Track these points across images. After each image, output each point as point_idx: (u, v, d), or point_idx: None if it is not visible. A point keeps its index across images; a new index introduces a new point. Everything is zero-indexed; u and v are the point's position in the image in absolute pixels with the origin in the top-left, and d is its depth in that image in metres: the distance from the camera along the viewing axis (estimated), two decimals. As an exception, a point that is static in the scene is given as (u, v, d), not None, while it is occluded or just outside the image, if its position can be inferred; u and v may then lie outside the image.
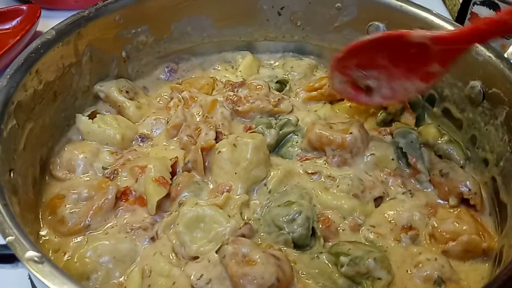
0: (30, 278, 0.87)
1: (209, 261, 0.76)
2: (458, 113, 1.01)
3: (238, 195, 0.88)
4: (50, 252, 0.82)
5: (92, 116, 1.01)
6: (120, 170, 0.92)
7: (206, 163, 0.92)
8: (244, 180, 0.89)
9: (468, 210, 0.89)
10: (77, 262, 0.79)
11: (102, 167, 0.93)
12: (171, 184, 0.89)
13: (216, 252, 0.76)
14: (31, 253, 0.59)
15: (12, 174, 0.77)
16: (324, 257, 0.81)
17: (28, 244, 0.60)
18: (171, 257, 0.81)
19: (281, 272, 0.72)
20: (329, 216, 0.86)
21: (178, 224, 0.82)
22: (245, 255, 0.73)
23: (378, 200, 0.90)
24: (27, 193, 0.83)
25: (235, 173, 0.89)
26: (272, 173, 0.92)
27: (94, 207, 0.86)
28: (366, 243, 0.84)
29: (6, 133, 0.78)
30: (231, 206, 0.86)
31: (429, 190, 0.93)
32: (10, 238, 0.60)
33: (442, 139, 0.98)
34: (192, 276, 0.74)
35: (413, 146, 0.94)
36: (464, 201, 0.90)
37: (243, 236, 0.80)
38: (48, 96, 0.93)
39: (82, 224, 0.84)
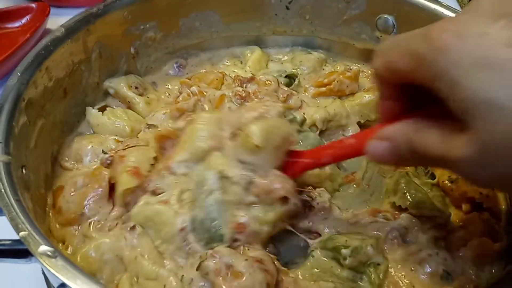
0: (43, 273, 0.88)
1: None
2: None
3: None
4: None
5: (102, 110, 1.02)
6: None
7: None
8: None
9: (481, 214, 0.86)
10: (81, 262, 0.78)
11: (102, 150, 0.93)
12: None
13: (197, 269, 0.73)
14: (44, 248, 0.59)
15: (24, 171, 0.77)
16: (319, 254, 0.81)
17: (41, 238, 0.61)
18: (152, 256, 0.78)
19: (268, 276, 0.71)
20: None
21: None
22: (228, 266, 0.71)
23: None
24: (39, 189, 0.84)
25: None
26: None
27: (87, 196, 0.84)
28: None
29: (18, 130, 0.78)
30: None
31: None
32: (23, 233, 0.61)
33: None
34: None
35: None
36: (478, 205, 0.88)
37: None
38: (58, 92, 0.94)
39: (76, 213, 0.83)
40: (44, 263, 0.58)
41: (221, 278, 0.70)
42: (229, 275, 0.70)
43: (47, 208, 0.86)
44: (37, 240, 0.61)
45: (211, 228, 0.76)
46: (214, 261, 0.72)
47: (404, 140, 0.60)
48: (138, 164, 0.85)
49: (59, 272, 0.58)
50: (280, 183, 0.77)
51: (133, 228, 0.79)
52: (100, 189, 0.84)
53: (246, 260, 0.72)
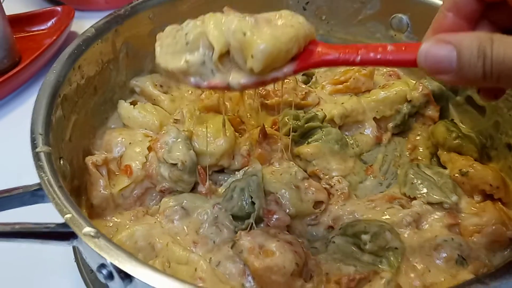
0: (76, 260, 0.93)
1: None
2: (481, 100, 1.04)
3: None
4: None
5: (133, 104, 1.07)
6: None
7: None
8: None
9: (494, 202, 0.90)
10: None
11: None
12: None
13: (231, 247, 0.80)
14: (87, 229, 0.64)
15: (61, 161, 0.82)
16: (339, 240, 0.85)
17: (84, 221, 0.66)
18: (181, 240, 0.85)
19: (297, 256, 0.77)
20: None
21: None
22: (261, 246, 0.77)
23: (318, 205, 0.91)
24: (73, 180, 0.89)
25: None
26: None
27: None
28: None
29: (55, 123, 0.83)
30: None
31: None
32: (67, 215, 0.66)
33: (451, 136, 0.99)
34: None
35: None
36: (490, 196, 0.91)
37: None
38: (89, 90, 0.99)
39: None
40: (88, 243, 0.63)
41: (253, 256, 0.75)
42: (261, 253, 0.75)
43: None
44: (80, 223, 0.66)
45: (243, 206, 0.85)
46: (248, 241, 0.77)
47: (476, 45, 0.51)
48: (130, 162, 0.92)
49: (102, 251, 0.62)
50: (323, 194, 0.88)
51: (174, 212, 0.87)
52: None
53: (278, 241, 0.77)
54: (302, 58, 0.66)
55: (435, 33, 0.59)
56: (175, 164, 0.89)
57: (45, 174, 0.72)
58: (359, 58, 0.62)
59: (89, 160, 0.91)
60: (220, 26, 0.65)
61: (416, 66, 0.57)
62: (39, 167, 0.73)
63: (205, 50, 0.66)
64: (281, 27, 0.64)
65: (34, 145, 0.76)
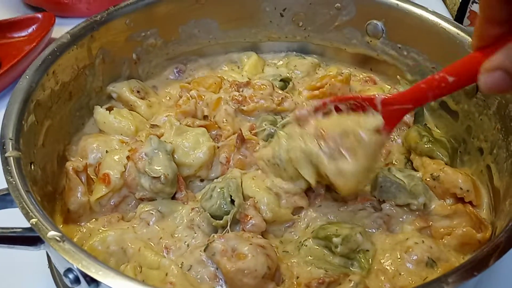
0: (49, 266, 0.93)
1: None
2: (454, 105, 1.05)
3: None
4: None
5: (109, 110, 1.07)
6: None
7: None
8: None
9: (465, 205, 0.91)
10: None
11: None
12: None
13: (204, 250, 0.80)
14: (52, 233, 0.64)
15: (32, 167, 0.82)
16: (311, 243, 0.85)
17: (49, 225, 0.66)
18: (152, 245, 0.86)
19: (269, 260, 0.77)
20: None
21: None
22: (233, 249, 0.78)
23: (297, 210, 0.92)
24: (46, 185, 0.89)
25: None
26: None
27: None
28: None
29: (26, 128, 0.83)
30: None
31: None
32: (33, 220, 0.66)
33: (422, 141, 1.00)
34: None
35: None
36: (461, 199, 0.92)
37: None
38: (64, 95, 0.99)
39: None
40: (53, 247, 0.63)
41: (225, 258, 0.76)
42: (233, 256, 0.76)
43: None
44: (46, 226, 0.66)
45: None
46: (221, 243, 0.78)
47: None
48: (108, 170, 0.92)
49: (66, 255, 0.63)
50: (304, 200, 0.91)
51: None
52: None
53: (251, 244, 0.78)
54: (387, 123, 0.81)
55: (479, 41, 0.68)
56: (157, 177, 0.89)
57: (13, 179, 0.72)
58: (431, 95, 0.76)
59: (70, 165, 0.91)
60: None
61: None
62: (7, 172, 0.73)
63: None
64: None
65: (3, 150, 0.76)
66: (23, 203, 0.69)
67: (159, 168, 0.89)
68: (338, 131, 0.81)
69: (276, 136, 0.92)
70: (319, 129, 0.82)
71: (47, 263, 0.94)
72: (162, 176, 0.88)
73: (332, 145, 0.81)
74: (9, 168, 0.74)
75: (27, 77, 0.89)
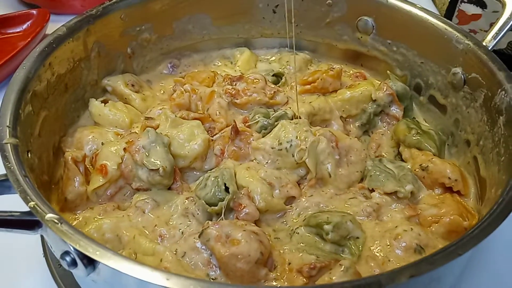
0: (44, 251, 0.94)
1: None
2: (443, 99, 1.08)
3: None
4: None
5: (104, 103, 1.09)
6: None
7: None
8: None
9: (453, 195, 0.94)
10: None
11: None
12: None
13: (199, 236, 0.82)
14: (50, 215, 0.66)
15: (29, 155, 0.84)
16: (303, 230, 0.87)
17: (47, 208, 0.67)
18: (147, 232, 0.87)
19: (262, 246, 0.79)
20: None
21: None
22: (227, 235, 0.80)
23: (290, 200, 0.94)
24: (42, 174, 0.90)
25: None
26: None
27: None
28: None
29: (23, 117, 0.85)
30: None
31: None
32: (31, 203, 0.67)
33: (410, 133, 1.02)
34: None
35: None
36: (449, 188, 0.95)
37: None
38: (60, 87, 1.01)
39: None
40: (51, 229, 0.64)
41: (220, 244, 0.78)
42: (227, 242, 0.78)
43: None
44: (44, 209, 0.67)
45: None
46: (215, 229, 0.80)
47: None
48: (106, 161, 0.93)
49: (64, 236, 0.64)
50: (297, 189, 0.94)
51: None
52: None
53: (244, 231, 0.80)
54: None
55: None
56: (155, 169, 0.90)
57: (11, 164, 0.74)
58: None
59: (69, 155, 0.92)
60: None
61: None
62: (4, 157, 0.74)
63: None
64: None
65: (0, 137, 0.78)
66: (22, 186, 0.70)
67: (157, 161, 0.91)
68: None
69: (280, 125, 0.96)
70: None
71: (42, 253, 0.95)
72: (160, 168, 0.90)
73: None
74: (6, 154, 0.75)
75: (24, 67, 0.91)
